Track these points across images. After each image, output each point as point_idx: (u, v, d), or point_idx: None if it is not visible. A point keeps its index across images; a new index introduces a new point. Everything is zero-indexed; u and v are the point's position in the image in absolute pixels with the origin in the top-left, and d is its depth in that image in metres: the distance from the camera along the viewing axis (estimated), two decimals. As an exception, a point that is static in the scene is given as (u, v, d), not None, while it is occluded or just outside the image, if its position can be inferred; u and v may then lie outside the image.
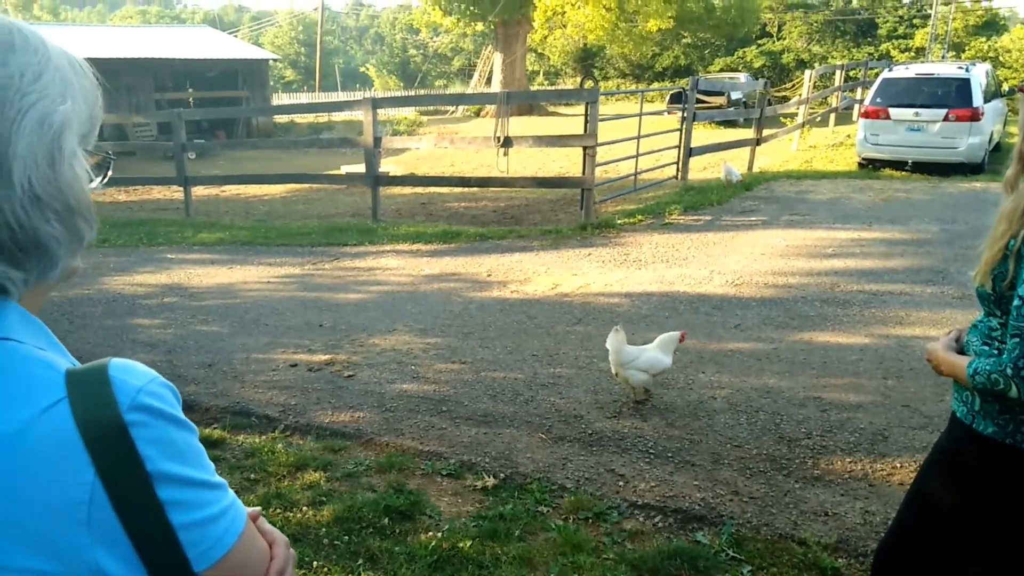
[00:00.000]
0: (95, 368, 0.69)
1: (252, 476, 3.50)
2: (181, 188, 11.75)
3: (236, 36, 37.67)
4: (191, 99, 25.85)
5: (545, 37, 30.01)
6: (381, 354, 5.13)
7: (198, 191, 12.68)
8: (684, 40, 35.10)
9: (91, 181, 0.74)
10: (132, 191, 14.68)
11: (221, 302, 6.60)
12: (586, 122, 9.08)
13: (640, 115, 10.80)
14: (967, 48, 31.52)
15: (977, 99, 11.64)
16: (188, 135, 12.36)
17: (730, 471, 3.46)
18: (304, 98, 36.45)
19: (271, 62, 32.20)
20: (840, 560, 2.77)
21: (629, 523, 3.09)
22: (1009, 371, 1.54)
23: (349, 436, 3.94)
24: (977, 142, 11.58)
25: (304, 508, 3.21)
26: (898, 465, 3.42)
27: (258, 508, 0.87)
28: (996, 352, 1.66)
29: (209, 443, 3.82)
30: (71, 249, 0.71)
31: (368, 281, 7.28)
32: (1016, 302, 1.54)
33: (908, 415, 3.91)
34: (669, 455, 3.61)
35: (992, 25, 35.36)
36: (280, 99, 34.98)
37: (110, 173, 0.80)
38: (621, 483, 3.38)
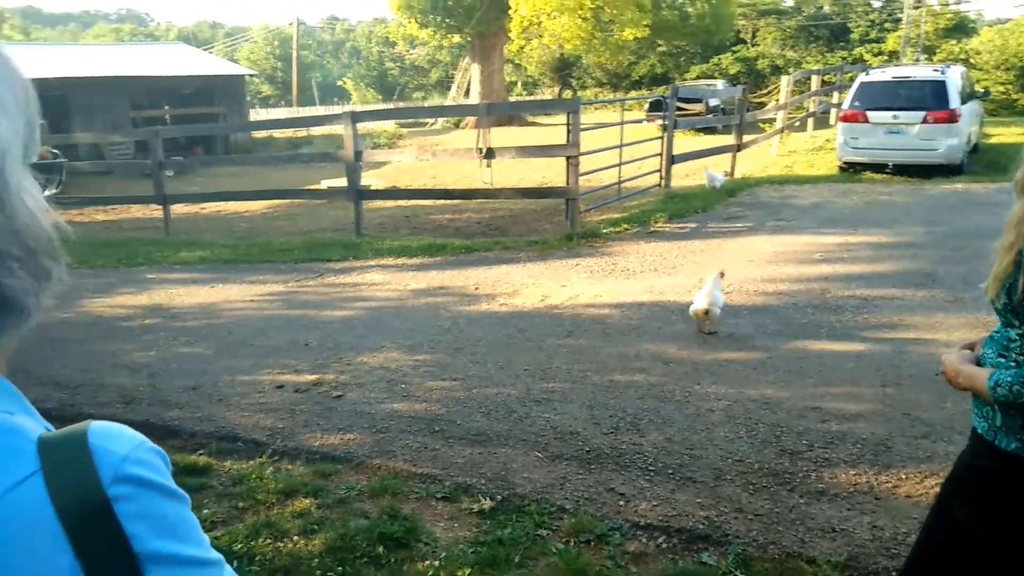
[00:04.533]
0: (73, 434, 0.59)
1: (240, 504, 3.38)
2: (160, 207, 11.58)
3: (211, 52, 37.42)
4: (168, 116, 25.55)
5: (522, 47, 30.11)
6: (370, 373, 5.02)
7: (178, 209, 12.49)
8: (660, 48, 35.37)
9: (44, 191, 0.63)
10: (110, 211, 14.43)
11: (204, 322, 6.45)
12: (568, 132, 9.04)
13: (622, 124, 10.79)
14: (938, 51, 31.92)
15: (954, 101, 11.72)
16: (166, 153, 12.17)
17: (733, 487, 3.37)
18: (282, 113, 36.27)
19: (247, 77, 32.03)
20: (852, 579, 2.69)
21: (632, 544, 3.00)
22: None
23: (339, 460, 3.83)
24: (956, 143, 11.64)
25: (295, 537, 3.10)
26: (903, 476, 3.35)
27: None
28: (1014, 364, 1.59)
29: (195, 471, 3.69)
30: (41, 293, 0.61)
31: (354, 297, 7.16)
32: None
33: (909, 424, 3.85)
34: (670, 471, 3.53)
35: (962, 28, 35.91)
36: (258, 114, 34.79)
37: (63, 176, 0.68)
38: (622, 503, 3.29)
